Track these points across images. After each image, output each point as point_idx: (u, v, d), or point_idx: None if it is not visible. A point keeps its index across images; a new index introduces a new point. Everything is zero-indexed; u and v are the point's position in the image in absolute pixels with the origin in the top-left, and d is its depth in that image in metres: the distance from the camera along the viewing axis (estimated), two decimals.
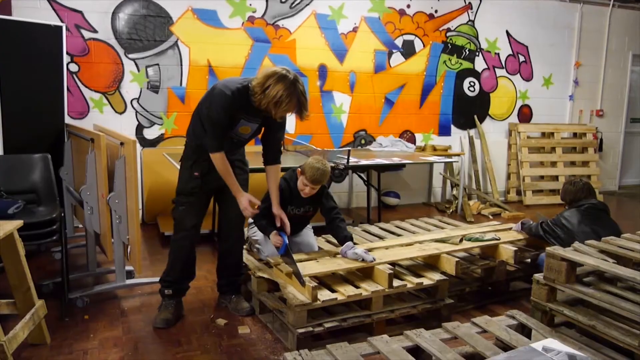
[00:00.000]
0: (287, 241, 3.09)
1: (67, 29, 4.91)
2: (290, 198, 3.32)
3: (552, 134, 7.37)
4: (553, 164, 7.29)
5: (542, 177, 7.25)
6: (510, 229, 4.06)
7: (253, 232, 3.47)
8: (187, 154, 3.13)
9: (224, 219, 3.30)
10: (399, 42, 6.43)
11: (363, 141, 6.44)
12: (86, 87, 5.17)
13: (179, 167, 3.19)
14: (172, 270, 3.17)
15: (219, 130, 2.89)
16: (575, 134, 7.59)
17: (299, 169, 3.25)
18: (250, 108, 2.88)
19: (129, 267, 3.57)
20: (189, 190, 3.09)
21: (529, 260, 3.77)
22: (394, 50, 6.42)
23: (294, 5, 5.86)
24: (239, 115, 2.92)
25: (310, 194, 3.26)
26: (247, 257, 3.47)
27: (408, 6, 6.40)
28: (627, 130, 8.26)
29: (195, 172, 3.07)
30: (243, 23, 5.67)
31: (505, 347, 2.39)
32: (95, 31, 5.12)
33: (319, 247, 3.58)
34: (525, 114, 7.39)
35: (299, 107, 2.84)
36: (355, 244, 3.27)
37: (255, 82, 2.81)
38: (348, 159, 4.63)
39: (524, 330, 2.65)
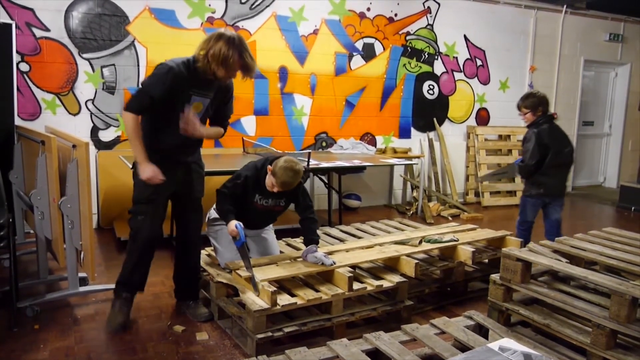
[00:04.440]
0: (244, 238, 3.04)
1: (17, 27, 4.73)
2: (255, 186, 3.22)
3: (509, 136, 7.54)
4: None
5: (499, 179, 7.40)
6: (469, 229, 4.12)
7: (211, 234, 3.40)
8: (135, 163, 2.97)
9: (182, 222, 3.22)
10: (359, 45, 6.46)
11: (324, 143, 6.43)
12: (38, 87, 4.99)
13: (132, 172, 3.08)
14: (133, 276, 3.07)
15: (147, 99, 2.82)
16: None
17: (270, 167, 3.14)
18: (199, 80, 2.87)
19: (82, 274, 3.45)
20: (146, 198, 2.96)
21: (486, 260, 3.84)
22: (354, 53, 6.45)
23: (254, 6, 5.81)
24: (187, 90, 2.87)
25: (278, 191, 3.18)
26: (205, 262, 3.41)
27: (368, 9, 6.44)
28: (580, 132, 8.53)
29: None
30: (202, 23, 5.59)
31: (463, 347, 2.41)
32: (47, 30, 4.95)
33: (280, 251, 3.54)
34: (482, 117, 7.54)
35: (244, 61, 2.82)
36: (317, 247, 3.24)
37: (197, 49, 2.83)
38: (308, 161, 4.61)
39: (482, 331, 2.68)
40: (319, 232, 4.12)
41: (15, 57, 4.37)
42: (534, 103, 3.99)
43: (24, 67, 4.90)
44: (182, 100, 2.87)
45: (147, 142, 2.91)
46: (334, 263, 3.09)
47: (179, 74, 2.82)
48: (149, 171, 2.85)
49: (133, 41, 5.30)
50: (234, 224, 3.06)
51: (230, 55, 2.76)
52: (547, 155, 3.92)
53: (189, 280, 3.27)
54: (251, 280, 2.88)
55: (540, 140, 3.90)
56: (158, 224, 3.06)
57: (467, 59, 7.26)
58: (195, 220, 3.20)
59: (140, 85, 2.87)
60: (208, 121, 3.16)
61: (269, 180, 3.15)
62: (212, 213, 3.42)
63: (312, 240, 3.20)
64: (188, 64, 2.86)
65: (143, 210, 2.98)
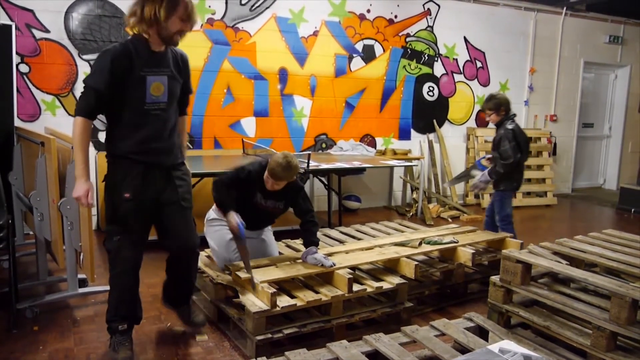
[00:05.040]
0: (244, 233, 3.00)
1: (17, 28, 4.73)
2: (258, 184, 3.19)
3: None
4: None
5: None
6: (469, 231, 4.12)
7: (209, 235, 3.38)
8: (110, 172, 2.60)
9: (172, 236, 2.73)
10: (359, 46, 6.46)
11: (324, 145, 6.43)
12: (38, 88, 4.99)
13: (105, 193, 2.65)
14: (122, 305, 2.69)
15: (92, 95, 2.44)
16: (530, 138, 7.76)
17: (269, 161, 3.14)
18: (146, 57, 2.50)
19: (81, 275, 3.45)
20: (121, 216, 2.57)
21: (486, 262, 3.84)
22: (354, 55, 6.45)
23: (253, 8, 5.81)
24: (136, 69, 2.47)
25: (274, 189, 3.16)
26: (205, 263, 3.40)
27: (368, 11, 6.44)
28: (580, 134, 8.53)
29: (125, 193, 2.54)
30: (202, 25, 5.59)
31: (463, 349, 2.41)
32: (47, 31, 4.95)
33: (279, 252, 3.54)
34: (482, 119, 7.51)
35: (185, 5, 2.46)
36: (317, 249, 3.24)
37: (130, 14, 2.47)
38: (308, 162, 4.61)
39: (482, 332, 2.68)
40: (318, 233, 4.13)
41: (15, 58, 4.37)
42: (496, 104, 4.22)
43: (24, 68, 4.90)
44: (135, 83, 2.48)
45: (122, 149, 2.56)
46: (334, 264, 3.09)
47: (118, 52, 2.44)
48: (82, 190, 2.47)
49: None
50: (234, 218, 3.00)
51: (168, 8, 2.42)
52: (520, 152, 4.14)
53: (181, 287, 2.96)
54: (250, 280, 2.88)
55: (515, 138, 4.10)
56: (137, 243, 2.66)
57: (467, 61, 7.26)
58: (190, 231, 2.77)
59: (84, 83, 2.48)
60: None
61: (266, 175, 3.14)
62: (211, 214, 3.41)
63: (312, 242, 3.20)
64: (127, 43, 2.51)
65: (119, 230, 2.59)
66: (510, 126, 4.14)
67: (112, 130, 2.61)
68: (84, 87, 2.49)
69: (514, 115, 4.31)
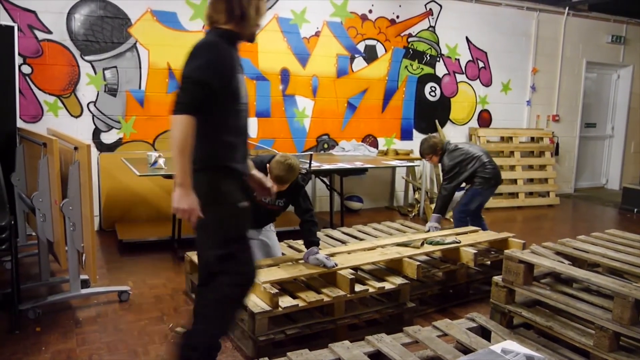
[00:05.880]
0: None
1: (20, 29, 4.73)
2: None
3: (511, 138, 7.53)
4: (512, 167, 7.44)
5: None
6: (471, 231, 4.11)
7: None
8: (213, 187, 2.16)
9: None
10: (361, 46, 6.46)
11: (326, 145, 6.43)
12: (40, 89, 5.00)
13: (205, 211, 2.12)
14: (222, 334, 2.36)
15: (199, 90, 2.05)
16: (532, 138, 7.78)
17: (269, 166, 3.16)
18: (237, 54, 2.29)
19: (83, 276, 3.45)
20: (243, 230, 2.22)
21: (488, 262, 3.83)
22: (356, 55, 6.45)
23: None
24: (237, 69, 2.22)
25: (280, 190, 3.18)
26: None
27: (370, 11, 6.44)
28: (582, 134, 8.51)
29: (243, 201, 2.22)
30: (204, 26, 5.59)
31: (466, 350, 2.40)
32: (49, 32, 4.96)
33: (282, 252, 3.54)
34: (484, 119, 7.53)
35: None
36: (319, 249, 3.24)
37: (225, 10, 2.19)
38: (310, 163, 4.61)
39: (484, 333, 2.68)
40: (320, 234, 4.14)
41: (18, 60, 4.38)
42: (431, 147, 4.44)
43: (26, 69, 4.90)
44: (236, 81, 2.18)
45: (228, 159, 2.20)
46: (336, 265, 3.09)
47: (227, 46, 2.19)
48: (189, 203, 2.07)
49: (135, 43, 5.30)
50: None
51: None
52: (472, 164, 4.39)
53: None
54: None
55: (456, 165, 4.35)
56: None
57: (469, 61, 7.25)
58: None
59: (186, 77, 2.09)
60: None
61: (269, 178, 3.14)
62: None
63: (312, 242, 3.20)
64: (222, 36, 2.23)
65: (243, 248, 2.24)
66: (449, 160, 4.35)
67: (213, 136, 2.15)
68: (187, 81, 2.08)
69: (448, 142, 4.55)
